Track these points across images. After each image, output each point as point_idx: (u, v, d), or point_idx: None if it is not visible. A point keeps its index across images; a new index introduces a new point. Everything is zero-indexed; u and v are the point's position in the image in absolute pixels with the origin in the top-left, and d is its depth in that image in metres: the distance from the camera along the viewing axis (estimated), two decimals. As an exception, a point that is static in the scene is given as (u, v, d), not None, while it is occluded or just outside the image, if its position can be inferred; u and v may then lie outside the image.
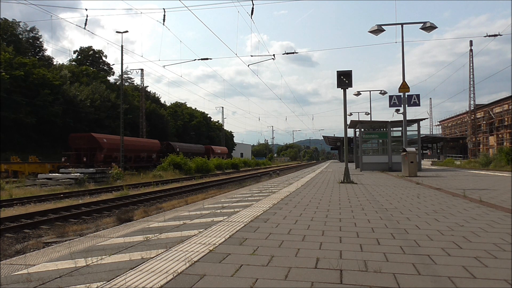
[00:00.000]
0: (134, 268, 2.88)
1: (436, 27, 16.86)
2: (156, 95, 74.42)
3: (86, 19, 20.46)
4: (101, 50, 63.48)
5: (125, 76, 64.41)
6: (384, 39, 53.58)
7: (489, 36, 27.04)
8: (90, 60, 62.35)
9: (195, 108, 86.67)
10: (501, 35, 27.22)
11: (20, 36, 51.83)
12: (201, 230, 4.38)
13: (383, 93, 33.29)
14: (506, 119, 49.11)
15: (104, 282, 2.57)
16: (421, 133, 24.46)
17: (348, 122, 20.63)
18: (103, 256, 3.25)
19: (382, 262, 3.01)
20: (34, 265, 3.05)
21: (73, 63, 60.29)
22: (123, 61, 57.30)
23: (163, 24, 19.89)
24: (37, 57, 51.71)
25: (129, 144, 34.27)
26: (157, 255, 3.27)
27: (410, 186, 10.58)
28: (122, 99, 35.00)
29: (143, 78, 48.91)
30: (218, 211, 6.00)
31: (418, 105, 18.85)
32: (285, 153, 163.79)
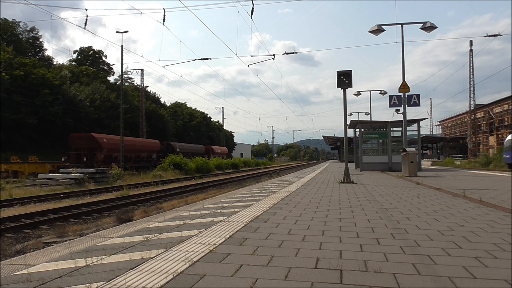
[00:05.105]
0: (134, 268, 2.88)
1: (436, 27, 16.84)
2: (156, 95, 74.50)
3: (86, 19, 20.52)
4: (101, 50, 63.65)
5: (125, 76, 64.48)
6: (386, 39, 53.79)
7: (489, 36, 27.05)
8: (90, 60, 62.38)
9: (195, 108, 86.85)
10: (501, 35, 27.23)
11: (20, 36, 51.85)
12: (201, 230, 4.38)
13: (383, 93, 33.29)
14: (506, 119, 49.10)
15: (104, 282, 2.57)
16: (421, 133, 24.47)
17: (348, 122, 20.63)
18: (103, 256, 3.25)
19: (382, 262, 3.01)
20: (34, 265, 3.05)
21: (73, 63, 60.32)
22: (124, 61, 57.34)
23: (163, 24, 19.91)
24: (37, 57, 51.73)
25: (129, 144, 34.27)
26: (157, 255, 3.27)
27: (410, 186, 10.58)
28: (122, 99, 35.00)
29: (143, 78, 48.95)
30: (218, 211, 6.00)
31: (418, 105, 18.86)
32: (285, 153, 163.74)
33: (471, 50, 46.73)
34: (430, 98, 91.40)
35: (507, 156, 22.75)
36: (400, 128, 20.36)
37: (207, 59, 27.11)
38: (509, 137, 23.65)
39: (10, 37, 48.29)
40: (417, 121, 22.30)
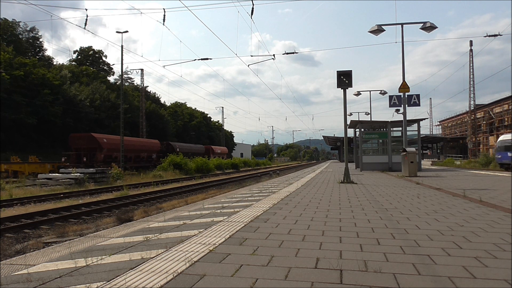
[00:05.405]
0: (134, 268, 2.88)
1: (436, 27, 16.84)
2: (156, 95, 74.51)
3: (86, 19, 20.51)
4: (101, 50, 63.58)
5: (125, 76, 64.48)
6: (386, 39, 53.82)
7: (489, 36, 27.04)
8: (90, 60, 62.36)
9: (195, 108, 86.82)
10: (501, 35, 27.22)
11: (20, 36, 51.83)
12: (201, 230, 4.38)
13: (383, 93, 33.29)
14: (506, 119, 49.07)
15: (104, 282, 2.57)
16: (421, 133, 24.48)
17: (348, 122, 20.63)
18: (103, 256, 3.25)
19: (382, 262, 3.01)
20: (34, 265, 3.05)
21: (73, 63, 60.30)
22: (124, 61, 57.37)
23: (163, 24, 19.91)
24: (37, 57, 51.71)
25: (129, 144, 34.26)
26: (157, 255, 3.27)
27: (410, 186, 10.58)
28: (122, 99, 34.99)
29: (143, 78, 48.96)
30: (218, 211, 6.00)
31: (418, 105, 18.87)
32: (285, 153, 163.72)
33: (471, 50, 46.76)
34: (430, 98, 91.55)
35: (499, 156, 23.00)
36: (400, 128, 20.36)
37: (207, 59, 27.11)
38: (501, 138, 23.89)
39: (10, 37, 48.26)
40: (417, 121, 22.30)
